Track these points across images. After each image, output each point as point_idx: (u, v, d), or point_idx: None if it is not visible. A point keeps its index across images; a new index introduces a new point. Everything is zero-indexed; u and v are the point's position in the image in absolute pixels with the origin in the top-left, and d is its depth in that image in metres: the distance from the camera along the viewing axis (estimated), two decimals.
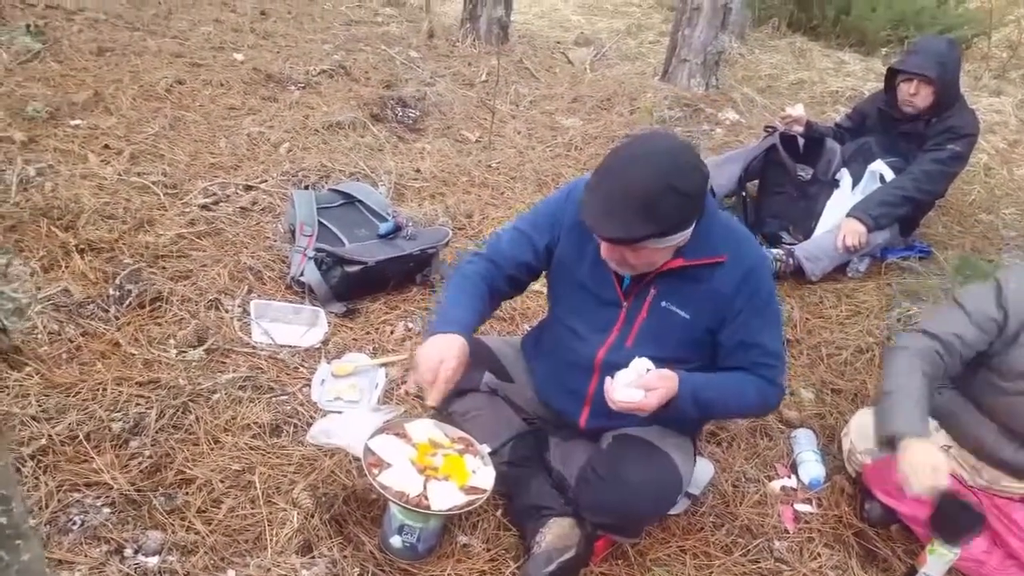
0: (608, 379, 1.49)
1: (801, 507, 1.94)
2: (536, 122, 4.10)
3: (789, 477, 2.03)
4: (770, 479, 2.02)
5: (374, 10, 5.73)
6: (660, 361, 1.55)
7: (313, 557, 1.55)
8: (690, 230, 1.47)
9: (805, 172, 3.18)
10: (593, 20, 6.49)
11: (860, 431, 1.92)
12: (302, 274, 2.36)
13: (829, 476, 2.02)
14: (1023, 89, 5.67)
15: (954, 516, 1.59)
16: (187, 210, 2.66)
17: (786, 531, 1.86)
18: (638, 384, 1.47)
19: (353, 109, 3.74)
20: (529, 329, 2.06)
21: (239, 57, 4.19)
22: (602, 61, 5.32)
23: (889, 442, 1.62)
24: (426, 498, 1.53)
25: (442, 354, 1.50)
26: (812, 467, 2.02)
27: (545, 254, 1.67)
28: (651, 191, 1.35)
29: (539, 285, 2.64)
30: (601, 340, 1.62)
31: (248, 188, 2.89)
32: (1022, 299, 1.65)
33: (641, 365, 1.49)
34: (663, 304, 1.57)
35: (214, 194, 2.80)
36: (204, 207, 2.70)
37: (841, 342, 2.60)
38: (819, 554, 1.81)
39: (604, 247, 1.47)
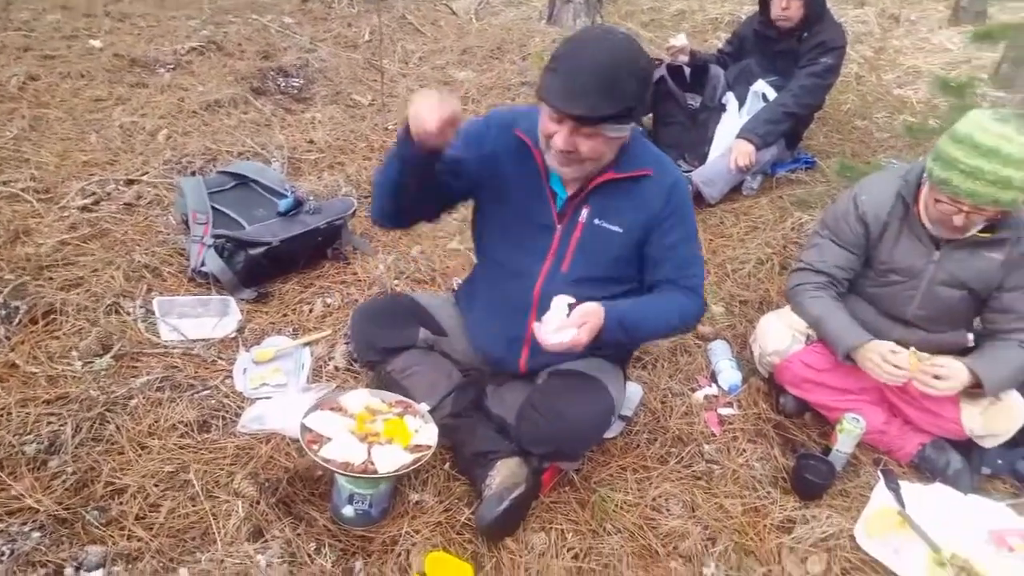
0: (536, 325, 1.51)
1: (724, 411, 2.08)
2: (428, 78, 4.03)
3: (710, 386, 2.17)
4: (693, 391, 2.15)
5: None
6: (594, 281, 1.62)
7: (266, 541, 1.54)
8: (630, 128, 1.54)
9: (694, 100, 3.30)
10: None
11: (766, 335, 2.07)
12: (203, 264, 2.26)
13: (745, 379, 2.18)
14: None
15: (811, 469, 1.85)
16: (66, 214, 2.47)
17: (713, 435, 2.00)
18: (567, 324, 1.49)
19: (231, 85, 3.54)
20: (457, 286, 2.07)
21: (96, 44, 3.86)
22: (487, 9, 5.25)
23: (846, 356, 1.88)
24: (372, 463, 1.54)
25: (441, 96, 1.40)
26: (729, 374, 2.17)
27: (462, 166, 1.60)
28: (614, 68, 1.40)
29: (455, 242, 2.67)
30: (537, 271, 1.65)
31: (130, 182, 2.71)
32: (873, 207, 1.89)
33: (562, 302, 1.52)
34: (596, 221, 1.62)
35: (93, 193, 2.61)
36: (84, 208, 2.52)
37: (743, 257, 2.76)
38: (744, 449, 1.96)
39: (561, 135, 1.46)
